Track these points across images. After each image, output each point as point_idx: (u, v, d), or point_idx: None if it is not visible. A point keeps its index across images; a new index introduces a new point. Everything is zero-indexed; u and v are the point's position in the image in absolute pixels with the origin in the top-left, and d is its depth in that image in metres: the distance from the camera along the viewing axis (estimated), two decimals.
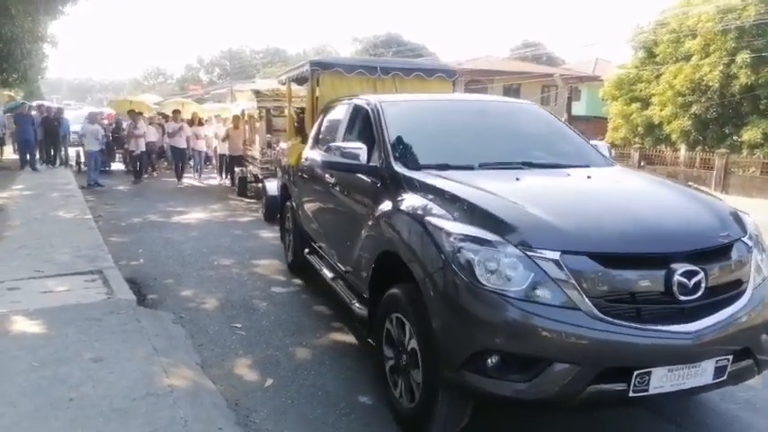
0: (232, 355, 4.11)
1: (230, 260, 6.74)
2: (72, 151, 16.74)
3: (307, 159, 5.37)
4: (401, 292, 3.04)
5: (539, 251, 2.50)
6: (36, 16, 14.12)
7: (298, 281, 5.94)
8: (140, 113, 15.17)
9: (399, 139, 3.78)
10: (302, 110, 8.05)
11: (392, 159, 3.60)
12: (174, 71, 68.96)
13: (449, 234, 2.69)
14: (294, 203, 5.82)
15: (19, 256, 6.21)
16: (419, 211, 3.01)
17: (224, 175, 14.48)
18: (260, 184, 10.66)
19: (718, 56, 18.18)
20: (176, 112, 15.34)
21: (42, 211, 9.11)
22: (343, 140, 4.36)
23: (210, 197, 12.21)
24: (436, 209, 2.93)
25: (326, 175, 4.56)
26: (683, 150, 20.40)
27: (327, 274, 4.68)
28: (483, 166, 3.57)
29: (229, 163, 13.56)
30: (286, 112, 10.61)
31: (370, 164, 3.73)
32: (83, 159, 14.76)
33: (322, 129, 5.41)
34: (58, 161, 16.26)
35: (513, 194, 2.95)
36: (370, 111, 4.18)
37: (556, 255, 2.48)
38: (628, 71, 22.17)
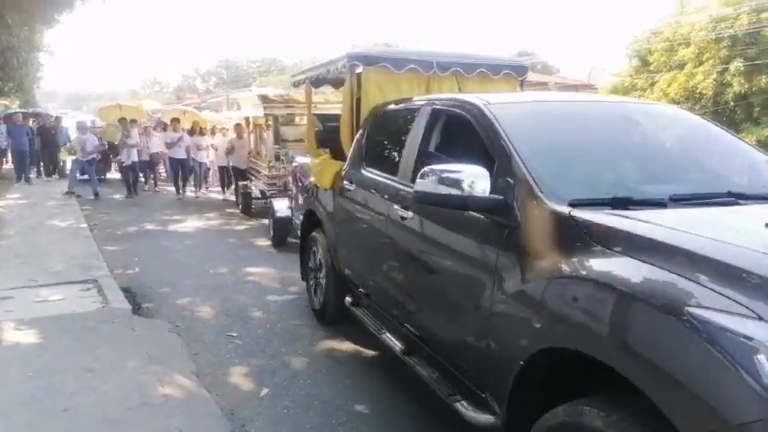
0: (228, 363, 4.08)
1: (226, 268, 6.72)
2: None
3: (351, 182, 4.17)
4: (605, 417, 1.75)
5: None
6: (32, 25, 14.15)
7: (293, 288, 5.92)
8: (134, 121, 14.00)
9: (540, 160, 2.50)
10: (330, 118, 6.60)
11: (538, 190, 2.32)
12: (171, 80, 69.11)
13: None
14: (329, 237, 4.59)
15: (13, 264, 6.19)
16: (654, 291, 1.73)
17: (225, 189, 13.36)
18: (266, 201, 9.65)
19: (711, 64, 18.35)
20: (176, 120, 14.00)
21: (37, 219, 9.09)
22: (422, 158, 3.23)
23: (209, 213, 11.13)
24: (697, 290, 1.64)
25: (395, 207, 3.32)
26: None
27: (395, 344, 3.43)
28: (678, 201, 2.34)
29: (234, 176, 12.17)
30: (299, 119, 9.81)
31: (492, 196, 2.43)
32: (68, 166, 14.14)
33: (372, 142, 4.25)
34: (56, 174, 15.58)
35: None
36: (474, 117, 2.90)
37: None
38: (622, 79, 22.34)
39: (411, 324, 3.29)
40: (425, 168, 2.59)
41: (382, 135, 4.24)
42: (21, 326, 4.28)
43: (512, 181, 2.45)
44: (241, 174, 11.57)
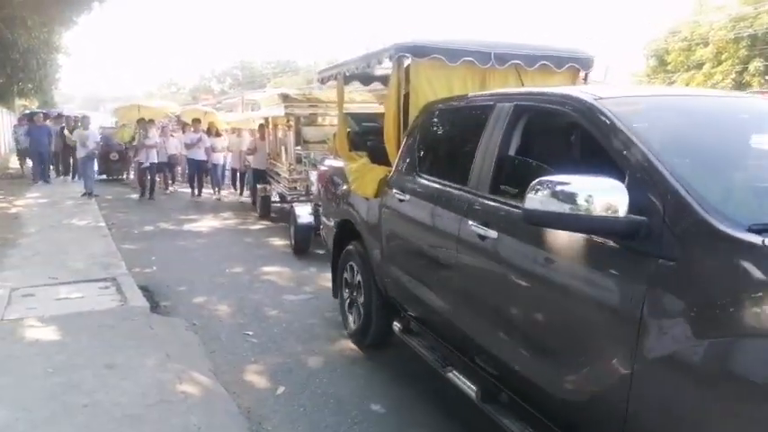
0: (244, 362, 4.11)
1: (242, 268, 6.76)
2: None
3: (403, 191, 3.60)
4: None
5: None
6: (51, 27, 14.37)
7: (308, 288, 5.94)
8: (152, 121, 13.67)
9: (692, 171, 2.06)
10: (367, 117, 6.08)
11: (701, 210, 1.81)
12: (187, 82, 69.67)
13: None
14: (372, 253, 4.04)
15: (34, 262, 6.28)
16: None
17: (238, 191, 13.13)
18: (285, 205, 9.42)
19: (730, 64, 18.14)
20: (196, 121, 13.51)
21: (57, 218, 9.21)
22: (502, 165, 2.78)
23: (224, 213, 11.12)
24: None
25: (469, 223, 2.77)
26: None
27: (468, 387, 2.91)
28: None
29: (253, 178, 11.58)
30: (322, 119, 9.32)
31: (632, 217, 1.90)
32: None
33: (428, 145, 3.75)
34: (77, 175, 15.13)
35: None
36: (583, 115, 2.38)
37: None
38: (639, 79, 22.15)
39: (491, 365, 2.73)
40: (537, 180, 2.04)
41: (442, 137, 3.80)
42: (42, 323, 4.34)
43: (656, 198, 1.93)
44: (260, 176, 11.01)
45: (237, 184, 13.14)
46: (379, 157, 4.31)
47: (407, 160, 3.78)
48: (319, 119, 9.37)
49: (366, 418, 3.34)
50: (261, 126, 11.19)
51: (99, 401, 3.17)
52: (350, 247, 4.45)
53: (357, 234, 4.32)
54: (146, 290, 5.63)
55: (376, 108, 9.03)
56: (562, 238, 2.19)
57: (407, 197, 3.55)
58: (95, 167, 14.12)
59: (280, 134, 10.27)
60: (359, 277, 4.28)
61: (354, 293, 4.40)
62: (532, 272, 2.40)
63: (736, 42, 17.99)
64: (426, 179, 3.47)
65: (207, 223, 9.91)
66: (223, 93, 51.96)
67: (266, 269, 6.72)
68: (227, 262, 7.02)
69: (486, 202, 2.76)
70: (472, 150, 3.03)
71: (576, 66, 4.40)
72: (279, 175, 9.79)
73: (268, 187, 10.39)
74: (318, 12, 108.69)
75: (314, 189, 7.25)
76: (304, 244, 7.31)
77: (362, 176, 4.22)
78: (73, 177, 15.31)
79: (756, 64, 17.29)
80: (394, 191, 3.70)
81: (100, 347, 3.91)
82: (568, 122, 2.56)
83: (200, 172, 12.98)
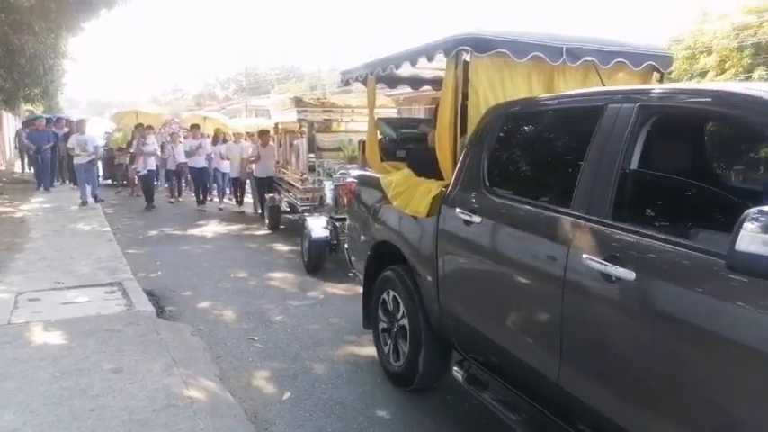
0: (250, 367, 4.12)
1: (246, 273, 6.78)
2: None
3: (471, 211, 2.96)
4: None
5: None
6: (58, 33, 14.43)
7: (313, 293, 5.95)
8: (150, 127, 13.14)
9: None
10: (406, 123, 5.47)
11: None
12: (191, 88, 70.07)
13: None
14: (423, 284, 3.42)
15: (40, 267, 6.30)
16: None
17: (237, 201, 12.26)
18: (295, 216, 8.85)
19: (733, 72, 18.12)
20: (195, 127, 12.95)
21: (61, 223, 9.24)
22: (625, 182, 2.19)
23: (229, 219, 11.11)
24: None
25: (584, 258, 2.16)
26: None
27: None
28: None
29: (256, 188, 11.00)
30: (337, 125, 8.78)
31: None
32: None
33: (501, 156, 3.17)
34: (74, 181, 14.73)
35: None
36: (760, 118, 1.82)
37: None
38: None
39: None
40: (757, 210, 1.51)
41: (521, 146, 3.20)
42: (48, 327, 4.35)
43: None
44: (266, 185, 10.41)
45: (237, 193, 12.27)
46: (421, 168, 3.79)
47: (472, 173, 3.14)
48: (334, 125, 8.87)
49: (372, 424, 3.34)
50: (262, 132, 10.76)
51: (106, 406, 3.18)
52: (388, 272, 3.84)
53: (398, 257, 3.72)
54: (151, 294, 5.65)
55: (393, 113, 8.69)
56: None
57: (477, 219, 2.90)
58: (100, 172, 13.97)
59: (290, 141, 9.58)
60: (402, 309, 3.66)
61: (395, 328, 3.80)
62: (708, 332, 1.74)
63: (740, 51, 18.01)
64: (503, 197, 2.86)
65: (211, 229, 9.93)
66: (227, 99, 52.23)
67: (271, 275, 6.73)
68: (232, 267, 7.03)
69: (612, 230, 2.11)
70: (573, 163, 2.46)
71: (655, 65, 3.84)
72: (289, 184, 9.22)
73: (277, 197, 9.82)
74: (323, 18, 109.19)
75: (328, 200, 6.97)
76: (318, 260, 6.72)
77: (408, 191, 3.60)
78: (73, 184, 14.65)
79: (760, 72, 17.28)
80: (457, 210, 3.06)
81: (106, 352, 3.92)
82: (733, 126, 2.06)
83: (201, 179, 12.29)
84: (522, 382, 2.71)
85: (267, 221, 9.84)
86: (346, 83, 4.98)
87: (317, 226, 6.69)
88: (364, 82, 4.72)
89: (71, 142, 11.85)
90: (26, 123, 16.92)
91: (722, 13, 20.20)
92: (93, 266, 6.34)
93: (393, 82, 5.26)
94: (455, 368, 3.23)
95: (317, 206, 7.71)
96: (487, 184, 3.01)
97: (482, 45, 3.36)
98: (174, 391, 3.36)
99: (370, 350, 4.42)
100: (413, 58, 3.83)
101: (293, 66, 62.92)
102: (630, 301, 2.02)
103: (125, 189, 14.57)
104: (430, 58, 3.64)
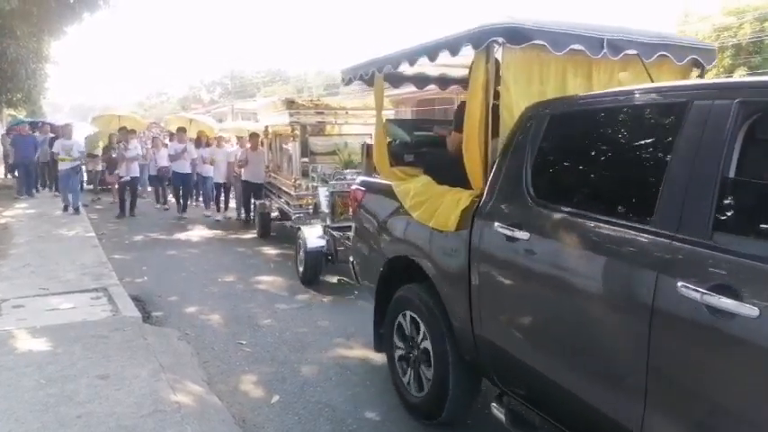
0: (238, 371, 4.11)
1: (233, 277, 6.76)
2: None
3: (516, 226, 2.56)
4: None
5: None
6: (40, 36, 14.30)
7: (301, 297, 5.94)
8: (133, 131, 12.87)
9: None
10: (421, 125, 4.86)
11: None
12: (176, 91, 69.55)
13: None
14: (452, 308, 3.01)
15: (24, 273, 6.23)
16: None
17: (219, 208, 11.88)
18: (288, 223, 8.54)
19: (714, 73, 18.37)
20: (181, 130, 12.24)
21: (46, 229, 9.15)
22: (727, 192, 1.84)
23: (218, 228, 10.89)
24: None
25: (679, 286, 1.80)
26: None
27: None
28: None
29: (245, 192, 10.67)
30: (331, 128, 8.38)
31: None
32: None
33: (549, 162, 2.77)
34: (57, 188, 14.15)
35: None
36: None
37: None
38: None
39: None
40: None
41: (575, 149, 2.70)
42: (33, 334, 4.31)
43: None
44: (255, 191, 10.16)
45: (221, 198, 11.92)
46: (438, 175, 3.46)
47: (511, 182, 2.75)
48: (328, 127, 8.46)
49: (361, 426, 3.35)
50: (252, 135, 10.43)
51: (93, 412, 3.15)
52: (406, 292, 3.48)
53: (417, 274, 3.35)
54: (137, 300, 5.61)
55: (391, 115, 8.35)
56: None
57: (524, 235, 2.50)
58: (84, 178, 13.69)
59: (281, 144, 9.17)
60: (423, 332, 3.29)
61: (415, 354, 3.40)
62: None
63: (721, 52, 18.28)
64: (556, 210, 2.46)
65: (198, 233, 9.88)
66: (213, 102, 51.97)
67: (258, 278, 6.71)
68: (219, 271, 7.01)
69: (718, 253, 1.75)
70: (647, 170, 2.18)
71: (699, 59, 3.51)
72: (281, 189, 8.77)
73: (267, 203, 9.50)
74: (309, 22, 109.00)
75: (323, 207, 6.61)
76: (315, 272, 6.37)
77: (430, 201, 3.22)
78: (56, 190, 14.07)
79: (741, 72, 17.58)
80: (496, 225, 2.67)
81: (92, 358, 3.89)
82: None
83: (185, 186, 11.65)
84: (586, 428, 2.28)
85: (257, 228, 9.57)
86: (348, 81, 4.53)
87: (313, 235, 6.38)
88: (368, 81, 4.35)
89: (56, 147, 11.47)
90: (10, 129, 16.67)
91: (703, 14, 20.50)
92: (79, 272, 6.29)
93: (397, 81, 4.86)
94: (494, 405, 2.80)
95: (312, 213, 7.37)
96: (533, 194, 2.61)
97: (517, 35, 2.90)
98: (161, 397, 3.34)
99: (359, 353, 4.43)
100: (432, 52, 3.32)
101: (279, 69, 62.65)
102: (753, 342, 1.63)
103: (95, 195, 14.05)
104: (453, 52, 3.17)
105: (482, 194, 2.89)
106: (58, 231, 8.99)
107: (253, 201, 10.43)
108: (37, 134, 14.82)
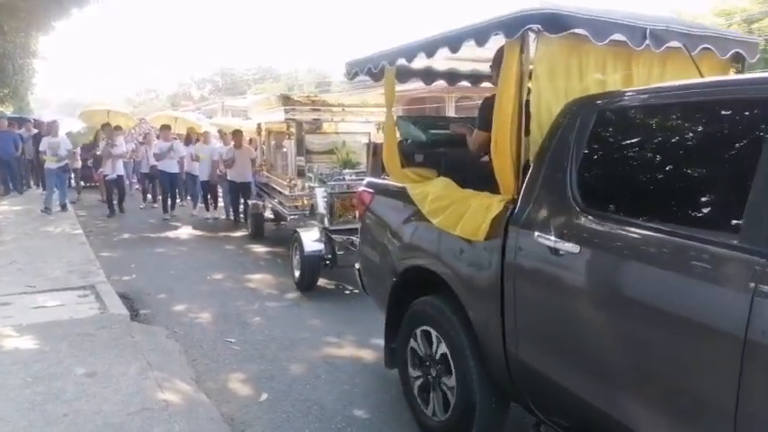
0: (226, 369, 4.10)
1: (222, 274, 6.74)
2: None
3: (561, 238, 2.27)
4: None
5: None
6: (28, 32, 14.18)
7: (291, 295, 5.94)
8: (118, 128, 12.43)
9: None
10: (434, 123, 4.34)
11: None
12: (166, 88, 69.16)
13: None
14: (481, 324, 2.71)
15: (10, 271, 6.18)
16: None
17: (208, 207, 11.53)
18: (281, 223, 8.50)
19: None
20: (166, 128, 11.90)
21: (33, 226, 9.08)
22: None
23: (207, 226, 10.78)
24: None
25: None
26: None
27: None
28: None
29: (232, 192, 10.36)
30: (327, 126, 7.96)
31: None
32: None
33: (601, 167, 2.47)
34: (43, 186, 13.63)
35: None
36: None
37: None
38: None
39: None
40: None
41: (631, 151, 2.40)
42: (19, 332, 4.28)
43: None
44: (241, 191, 10.03)
45: (208, 197, 11.49)
46: (458, 178, 3.18)
47: (552, 186, 2.44)
48: (325, 125, 8.07)
49: (349, 424, 3.35)
50: (236, 132, 10.17)
51: (80, 410, 3.14)
52: (424, 305, 3.17)
53: (435, 285, 3.09)
54: (125, 297, 5.58)
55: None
56: None
57: (572, 247, 2.19)
58: (72, 175, 13.40)
59: (276, 142, 8.85)
60: (444, 349, 2.96)
61: (433, 372, 3.08)
62: None
63: None
64: (611, 220, 2.15)
65: (187, 231, 9.84)
66: (203, 99, 51.68)
67: (247, 276, 6.70)
68: (208, 269, 6.98)
69: None
70: (727, 175, 1.93)
71: (741, 53, 3.25)
72: (275, 189, 8.43)
73: (260, 204, 9.18)
74: (299, 19, 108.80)
75: (321, 209, 6.20)
76: (312, 277, 6.04)
77: (455, 207, 2.91)
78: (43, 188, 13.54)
79: (731, 71, 17.77)
80: (536, 235, 2.38)
81: (79, 356, 3.87)
82: None
83: (172, 186, 11.27)
84: None
85: (250, 229, 9.29)
86: (354, 75, 4.19)
87: (310, 239, 6.05)
88: (375, 75, 4.00)
89: (42, 145, 11.14)
90: None
91: (694, 14, 20.67)
92: (66, 270, 6.24)
93: (405, 76, 4.44)
94: None
95: (308, 215, 7.11)
96: (579, 200, 2.29)
97: (557, 23, 2.60)
98: (148, 395, 3.33)
99: (348, 351, 4.44)
100: (455, 42, 2.98)
101: (270, 66, 62.45)
102: None
103: (77, 194, 13.59)
104: (480, 42, 2.83)
105: (514, 199, 2.59)
106: (45, 228, 8.92)
107: (242, 200, 10.22)
108: (22, 131, 14.39)
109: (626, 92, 2.50)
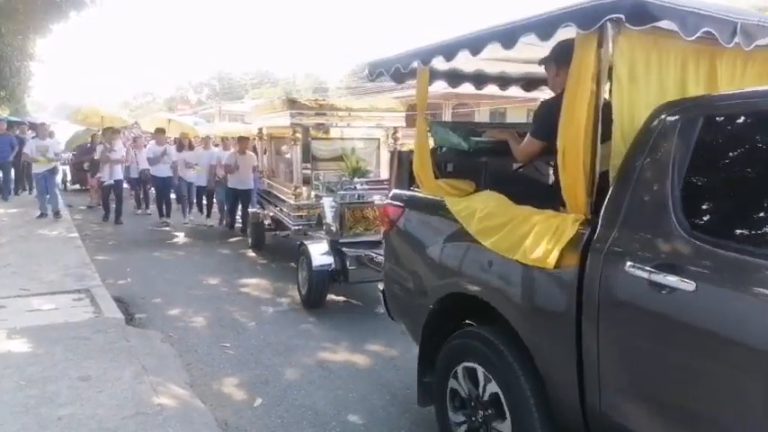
0: (221, 374, 4.10)
1: (218, 279, 6.73)
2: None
3: (669, 273, 1.79)
4: None
5: None
6: (26, 34, 14.17)
7: (286, 300, 5.94)
8: (117, 132, 12.11)
9: None
10: (472, 129, 3.61)
11: None
12: (163, 91, 69.17)
13: None
14: (551, 369, 2.27)
15: (5, 274, 6.16)
16: None
17: (202, 212, 11.47)
18: (282, 234, 8.17)
19: None
20: (160, 131, 11.60)
21: (28, 229, 9.06)
22: None
23: (200, 225, 11.00)
24: None
25: None
26: None
27: None
28: None
29: (232, 199, 9.97)
30: (334, 131, 7.42)
31: None
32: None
33: (709, 183, 2.03)
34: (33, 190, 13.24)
35: None
36: None
37: None
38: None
39: None
40: None
41: (753, 163, 1.91)
42: (13, 335, 4.27)
43: None
44: (243, 198, 9.68)
45: (204, 203, 11.34)
46: (506, 191, 2.78)
47: (644, 205, 2.02)
48: (332, 130, 7.54)
49: (344, 429, 3.36)
50: (241, 138, 9.83)
51: (74, 414, 3.13)
52: (469, 338, 2.73)
53: (479, 314, 2.78)
54: (120, 301, 5.57)
55: (401, 117, 7.41)
56: None
57: (687, 285, 1.74)
58: (68, 177, 13.28)
59: (279, 148, 8.51)
60: (495, 391, 2.49)
61: (480, 418, 2.61)
62: None
63: None
64: (739, 251, 1.68)
65: (182, 236, 9.82)
66: (200, 103, 51.71)
67: (243, 281, 6.70)
68: (204, 274, 6.98)
69: None
70: None
71: None
72: (277, 198, 7.89)
73: (261, 213, 8.69)
74: (297, 23, 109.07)
75: (329, 220, 5.77)
76: (320, 294, 5.61)
77: (512, 227, 2.48)
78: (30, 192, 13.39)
79: None
80: (628, 265, 1.92)
81: (74, 360, 3.86)
82: None
83: (165, 191, 11.04)
84: None
85: (250, 240, 8.87)
86: (377, 75, 3.71)
87: (318, 252, 5.62)
88: (399, 78, 3.66)
89: (28, 147, 10.73)
90: None
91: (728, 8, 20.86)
92: (61, 273, 6.23)
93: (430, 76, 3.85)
94: None
95: (314, 225, 6.63)
96: (686, 223, 1.85)
97: (643, 14, 2.19)
98: (143, 399, 3.33)
99: (343, 356, 4.45)
100: (511, 37, 2.49)
101: (268, 70, 62.53)
102: None
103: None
104: (545, 35, 2.39)
105: (589, 220, 2.18)
106: (40, 231, 8.91)
107: (240, 208, 9.95)
108: (17, 133, 14.22)
109: (737, 93, 2.13)
